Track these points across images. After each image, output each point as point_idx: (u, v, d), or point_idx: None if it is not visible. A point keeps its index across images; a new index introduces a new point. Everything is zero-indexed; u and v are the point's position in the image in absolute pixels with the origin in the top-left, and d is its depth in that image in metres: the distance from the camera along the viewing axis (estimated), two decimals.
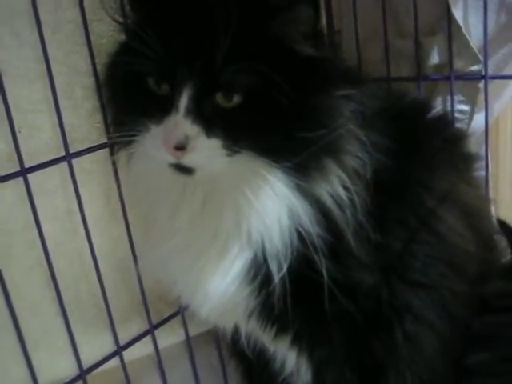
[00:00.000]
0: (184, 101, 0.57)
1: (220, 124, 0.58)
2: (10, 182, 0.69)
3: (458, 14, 0.90)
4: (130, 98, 0.63)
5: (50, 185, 0.74)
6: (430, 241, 0.72)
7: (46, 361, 0.76)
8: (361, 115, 0.65)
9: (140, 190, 0.71)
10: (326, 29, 1.04)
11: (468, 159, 0.84)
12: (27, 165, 0.70)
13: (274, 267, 0.64)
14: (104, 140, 0.76)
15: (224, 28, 0.56)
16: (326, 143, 0.61)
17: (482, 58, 0.91)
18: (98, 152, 0.76)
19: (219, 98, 0.58)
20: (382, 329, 0.73)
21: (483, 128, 0.97)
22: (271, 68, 0.56)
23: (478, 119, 0.98)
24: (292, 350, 0.74)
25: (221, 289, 0.67)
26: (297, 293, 0.66)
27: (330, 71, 0.63)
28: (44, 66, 0.70)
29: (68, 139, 0.73)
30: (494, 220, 0.87)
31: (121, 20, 0.66)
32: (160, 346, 0.88)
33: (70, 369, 0.78)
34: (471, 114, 0.97)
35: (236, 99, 0.58)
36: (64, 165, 0.73)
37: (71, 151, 0.73)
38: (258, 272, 0.66)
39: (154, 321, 0.86)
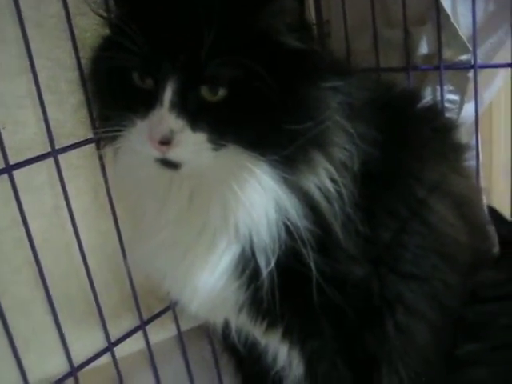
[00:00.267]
0: (168, 95, 0.57)
1: (205, 118, 0.57)
2: None
3: (446, 3, 0.89)
4: (114, 92, 0.62)
5: (36, 181, 0.74)
6: (420, 231, 0.72)
7: (37, 359, 0.76)
8: (348, 107, 0.65)
9: (127, 185, 0.71)
10: (315, 19, 1.03)
11: (458, 149, 0.84)
12: (12, 161, 0.69)
13: (262, 261, 0.64)
14: (90, 135, 0.75)
15: (208, 21, 0.55)
16: (312, 135, 0.60)
17: (470, 47, 0.91)
18: (84, 147, 0.75)
19: (204, 91, 0.57)
20: (373, 321, 0.73)
21: (474, 117, 0.97)
22: (256, 61, 0.56)
23: (469, 109, 0.98)
24: (283, 343, 0.74)
25: (209, 284, 0.66)
26: (285, 286, 0.65)
27: (317, 63, 0.62)
28: (27, 61, 0.69)
29: (54, 134, 0.72)
30: (485, 210, 0.87)
31: (104, 14, 0.66)
32: (152, 342, 0.87)
33: (61, 366, 0.78)
34: (461, 103, 0.96)
35: (221, 93, 0.57)
36: (50, 160, 0.72)
37: (57, 147, 0.72)
38: (246, 266, 0.65)
39: (145, 316, 0.86)
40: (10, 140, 0.69)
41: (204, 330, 0.95)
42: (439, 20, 0.90)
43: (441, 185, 0.75)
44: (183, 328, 0.91)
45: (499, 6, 0.91)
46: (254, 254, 0.64)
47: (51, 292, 0.75)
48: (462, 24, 0.91)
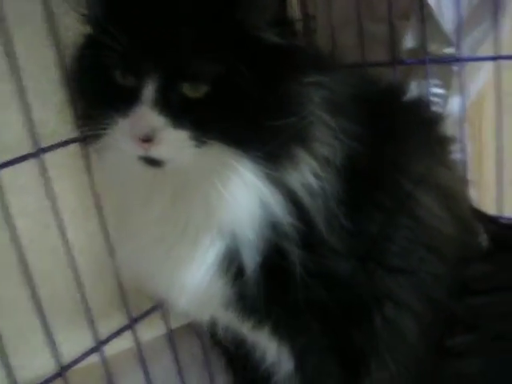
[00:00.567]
0: (150, 92, 0.56)
1: (187, 115, 0.57)
2: None
3: None
4: (97, 90, 0.62)
5: (21, 181, 0.73)
6: (407, 224, 0.72)
7: (25, 359, 0.76)
8: (331, 102, 0.64)
9: (112, 184, 0.70)
10: (301, 14, 1.03)
11: (444, 142, 0.84)
12: None
13: (246, 258, 0.64)
14: (75, 134, 0.74)
15: (188, 18, 0.55)
16: (295, 131, 0.60)
17: (455, 41, 0.91)
18: (69, 146, 0.75)
19: (186, 88, 0.57)
20: (361, 315, 0.73)
21: (461, 110, 0.98)
22: (237, 57, 0.56)
23: (457, 102, 0.98)
24: (271, 339, 0.74)
25: (195, 281, 0.66)
26: (271, 283, 0.65)
27: (299, 58, 0.62)
28: (10, 62, 0.69)
29: (38, 134, 0.72)
30: (473, 202, 0.87)
31: (86, 12, 0.65)
32: (141, 340, 0.87)
33: (49, 366, 0.78)
34: (446, 97, 0.96)
35: (203, 89, 0.57)
36: (35, 160, 0.72)
37: (42, 146, 0.72)
38: (232, 263, 0.65)
39: (134, 314, 0.86)
40: None
41: (194, 328, 0.95)
42: (423, 14, 0.90)
43: (427, 178, 0.75)
44: (173, 326, 0.91)
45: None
46: (238, 250, 0.64)
47: (38, 292, 0.74)
48: (446, 17, 0.91)
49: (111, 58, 0.58)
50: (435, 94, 0.97)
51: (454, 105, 0.97)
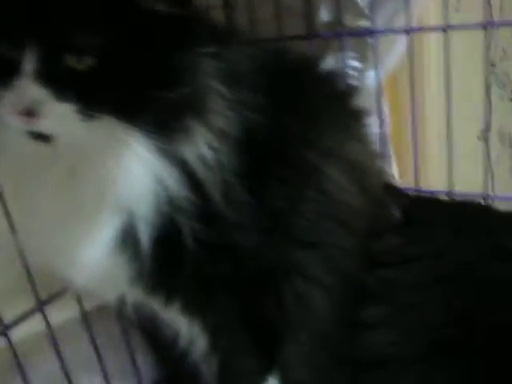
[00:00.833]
0: (31, 64, 0.54)
1: (72, 87, 0.55)
2: None
3: None
4: None
5: None
6: (314, 198, 0.72)
7: None
8: (229, 73, 0.63)
9: (7, 162, 0.68)
10: None
11: (357, 115, 0.84)
12: None
13: (143, 233, 0.63)
14: None
15: None
16: (189, 103, 0.59)
17: (369, 14, 0.91)
18: None
19: (69, 60, 0.55)
20: (270, 290, 0.73)
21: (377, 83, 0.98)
22: (123, 28, 0.54)
23: (372, 75, 0.98)
24: (182, 317, 0.73)
25: (94, 259, 0.64)
26: (168, 258, 0.64)
27: (193, 30, 0.60)
28: None
29: None
30: (386, 176, 0.87)
31: None
32: (55, 322, 0.85)
33: None
34: (363, 70, 0.96)
35: (88, 61, 0.55)
36: None
37: None
38: (129, 239, 0.63)
39: (45, 296, 0.83)
40: None
41: (111, 309, 0.92)
42: None
43: (336, 151, 0.75)
44: (88, 306, 0.89)
45: None
46: (135, 226, 0.63)
47: None
48: None
49: None
50: (352, 67, 0.96)
51: (370, 78, 0.97)
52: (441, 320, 0.69)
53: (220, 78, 0.62)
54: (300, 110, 0.73)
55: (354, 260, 0.76)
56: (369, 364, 0.72)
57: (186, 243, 0.62)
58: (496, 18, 1.14)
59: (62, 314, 0.87)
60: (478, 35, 0.86)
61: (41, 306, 0.81)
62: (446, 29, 0.87)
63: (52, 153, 0.61)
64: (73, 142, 0.58)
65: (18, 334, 0.81)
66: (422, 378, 0.68)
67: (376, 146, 0.92)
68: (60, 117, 0.55)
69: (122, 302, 0.75)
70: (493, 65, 2.19)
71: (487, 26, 0.84)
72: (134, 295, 0.72)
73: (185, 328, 0.75)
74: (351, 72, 0.96)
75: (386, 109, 1.02)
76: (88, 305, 0.89)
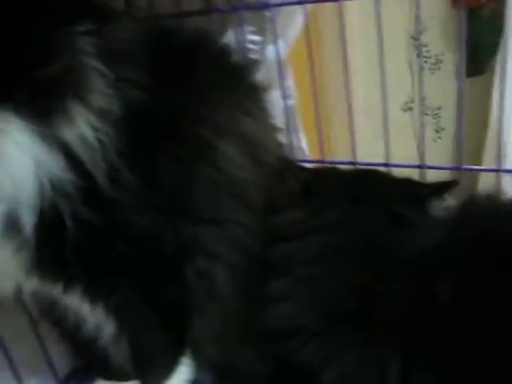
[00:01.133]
0: None
1: None
2: None
3: None
4: None
5: None
6: (209, 174, 0.71)
7: None
8: (110, 51, 0.62)
9: None
10: None
11: (253, 90, 0.83)
12: None
13: (27, 220, 0.61)
14: None
15: None
16: (66, 83, 0.58)
17: None
18: None
19: None
20: (172, 269, 0.72)
21: (282, 57, 0.97)
22: None
23: (276, 48, 0.98)
24: (85, 302, 0.72)
25: None
26: (59, 243, 0.62)
27: (66, 6, 0.58)
28: None
29: None
30: (284, 150, 0.87)
31: None
32: None
33: None
34: (263, 44, 0.96)
35: None
36: None
37: None
38: (15, 227, 0.61)
39: None
40: None
41: (18, 299, 0.90)
42: None
43: (229, 127, 0.74)
44: None
45: None
46: (19, 212, 0.61)
47: None
48: None
49: None
50: (251, 41, 0.96)
51: (271, 51, 0.96)
52: (340, 290, 0.70)
53: (99, 57, 0.60)
54: (191, 87, 0.72)
55: (255, 235, 0.76)
56: (274, 337, 0.72)
57: (70, 227, 0.60)
58: None
59: None
60: (402, 7, 0.87)
61: None
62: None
63: None
64: None
65: None
66: (324, 348, 0.69)
67: (278, 119, 0.92)
68: None
69: (20, 291, 0.73)
70: (414, 37, 2.23)
71: None
72: (31, 284, 0.70)
73: (89, 313, 0.74)
74: (251, 46, 0.95)
75: (290, 82, 1.02)
76: None
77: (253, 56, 0.94)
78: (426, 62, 2.31)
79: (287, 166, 0.82)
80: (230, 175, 0.72)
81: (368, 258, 0.70)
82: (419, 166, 0.91)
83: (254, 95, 0.82)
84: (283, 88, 0.96)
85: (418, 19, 1.01)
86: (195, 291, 0.74)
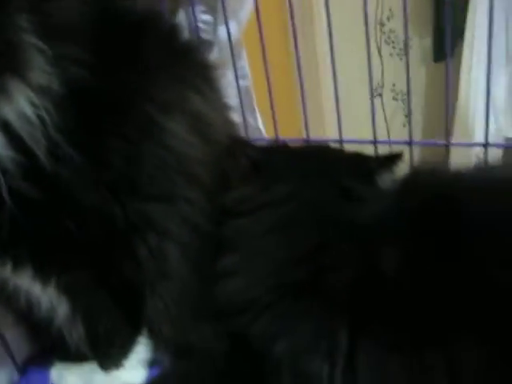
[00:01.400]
0: None
1: None
2: None
3: None
4: None
5: None
6: (156, 152, 0.72)
7: None
8: (50, 28, 0.62)
9: None
10: None
11: (202, 69, 0.83)
12: None
13: None
14: None
15: None
16: (5, 60, 0.57)
17: None
18: None
19: None
20: (124, 247, 0.73)
21: (236, 37, 0.97)
22: None
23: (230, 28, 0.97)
24: (35, 281, 0.71)
25: None
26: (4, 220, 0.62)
27: None
28: None
29: None
30: (234, 128, 0.88)
31: None
32: None
33: None
34: (215, 24, 0.96)
35: None
36: None
37: None
38: None
39: None
40: None
41: None
42: None
43: (176, 105, 0.74)
44: None
45: None
46: None
47: None
48: None
49: None
50: (204, 21, 0.95)
51: (224, 31, 0.96)
52: (289, 262, 0.70)
53: (39, 33, 0.60)
54: (138, 65, 0.73)
55: (205, 213, 0.76)
56: (227, 313, 0.73)
57: (8, 202, 0.60)
58: None
59: None
60: None
61: None
62: None
63: None
64: None
65: None
66: (275, 321, 0.69)
67: (230, 98, 0.92)
68: None
69: None
70: (381, 23, 2.24)
71: None
72: None
73: (41, 293, 0.73)
74: (203, 26, 0.95)
75: (245, 62, 1.02)
76: None
77: (205, 36, 0.94)
78: (394, 47, 2.33)
79: (238, 144, 0.82)
80: (178, 153, 0.73)
81: (316, 230, 0.71)
82: (372, 142, 0.92)
83: (205, 74, 0.82)
84: (234, 66, 0.95)
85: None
86: (148, 269, 0.74)
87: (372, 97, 0.92)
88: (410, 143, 0.90)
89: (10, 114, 0.59)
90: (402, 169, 0.77)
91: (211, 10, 0.94)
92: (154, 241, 0.73)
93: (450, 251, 0.64)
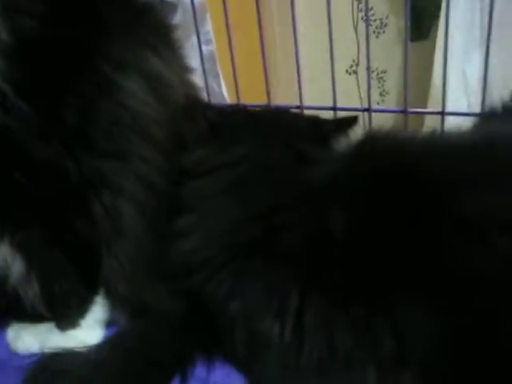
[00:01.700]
0: None
1: None
2: None
3: None
4: None
5: None
6: (111, 109, 0.71)
7: None
8: None
9: None
10: None
11: (162, 29, 0.83)
12: None
13: None
14: None
15: None
16: None
17: None
18: None
19: None
20: (78, 204, 0.72)
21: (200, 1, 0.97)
22: None
23: None
24: None
25: None
26: None
27: None
28: None
29: None
30: (192, 89, 0.87)
31: None
32: None
33: None
34: None
35: None
36: None
37: None
38: None
39: None
40: None
41: None
42: None
43: (132, 64, 0.74)
44: None
45: None
46: None
47: None
48: None
49: None
50: None
51: None
52: (242, 222, 0.71)
53: None
54: (94, 22, 0.72)
55: (161, 172, 0.76)
56: (183, 273, 0.73)
57: None
58: None
59: None
60: None
61: None
62: None
63: None
64: None
65: None
66: (229, 280, 0.69)
67: (193, 62, 0.91)
68: None
69: None
70: (358, 0, 2.22)
71: None
72: None
73: None
74: None
75: (209, 27, 1.01)
76: None
77: None
78: (370, 25, 2.32)
79: (197, 106, 0.82)
80: (134, 111, 0.72)
81: (270, 191, 0.71)
82: (332, 108, 0.92)
83: (163, 35, 0.82)
84: (196, 29, 0.95)
85: None
86: (103, 228, 0.74)
87: (333, 63, 0.91)
88: (368, 110, 0.90)
89: None
90: (359, 134, 0.78)
91: None
92: (108, 198, 0.73)
93: (400, 214, 0.64)
